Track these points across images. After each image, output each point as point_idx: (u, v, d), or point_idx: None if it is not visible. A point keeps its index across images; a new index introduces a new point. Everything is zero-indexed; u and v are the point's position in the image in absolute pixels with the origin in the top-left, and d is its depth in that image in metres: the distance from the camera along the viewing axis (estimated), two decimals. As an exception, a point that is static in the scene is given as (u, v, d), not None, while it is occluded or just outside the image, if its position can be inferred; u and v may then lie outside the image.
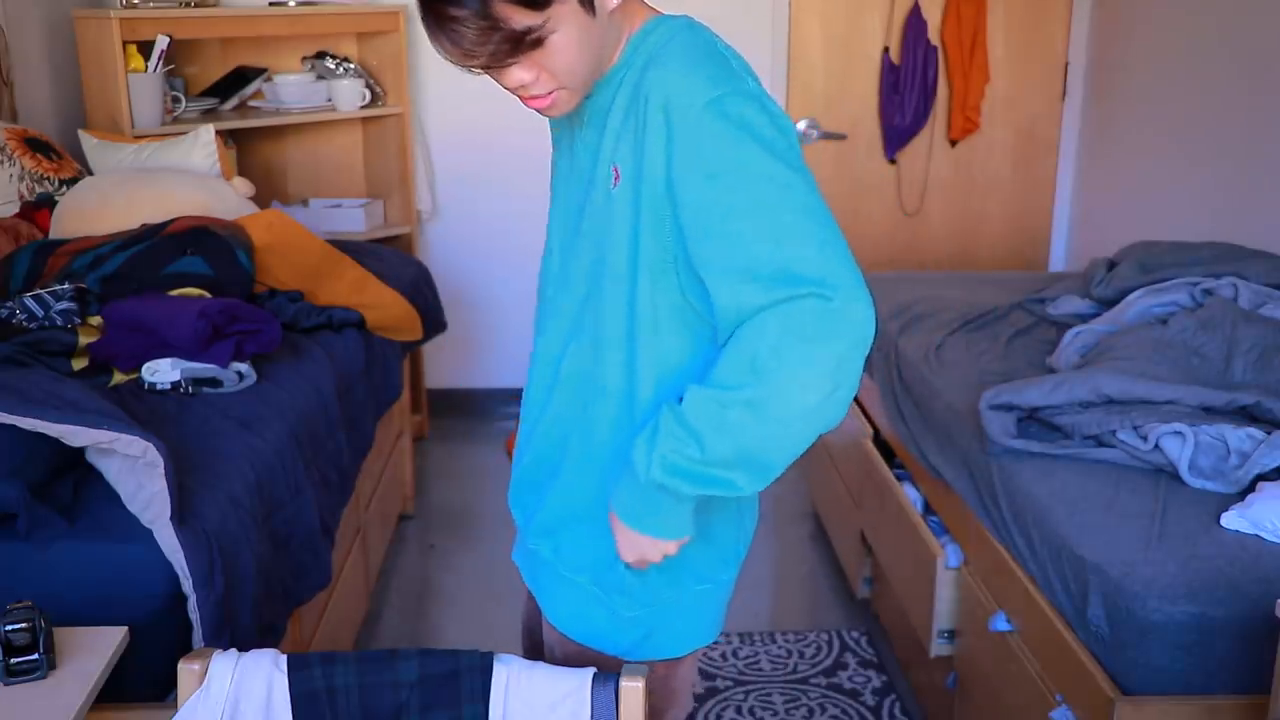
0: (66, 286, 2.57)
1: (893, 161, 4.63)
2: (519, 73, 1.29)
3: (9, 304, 2.50)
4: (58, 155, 3.31)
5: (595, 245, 1.39)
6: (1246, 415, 2.25)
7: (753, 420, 1.23)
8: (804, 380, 1.21)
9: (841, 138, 4.57)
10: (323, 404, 2.58)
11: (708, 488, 1.28)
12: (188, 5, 3.90)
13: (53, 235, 3.05)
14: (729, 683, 2.92)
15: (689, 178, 1.26)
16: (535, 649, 1.72)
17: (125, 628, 1.69)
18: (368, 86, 4.17)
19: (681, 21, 1.37)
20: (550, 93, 1.31)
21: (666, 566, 1.44)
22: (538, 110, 1.35)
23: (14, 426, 1.81)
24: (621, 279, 1.36)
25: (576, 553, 1.49)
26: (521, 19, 1.22)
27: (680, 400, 1.29)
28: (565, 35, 1.25)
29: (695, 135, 1.25)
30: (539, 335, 1.54)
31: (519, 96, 1.34)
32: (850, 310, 1.22)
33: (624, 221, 1.34)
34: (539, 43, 1.25)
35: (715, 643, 3.07)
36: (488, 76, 1.33)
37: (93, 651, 1.62)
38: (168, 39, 3.65)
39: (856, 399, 3.37)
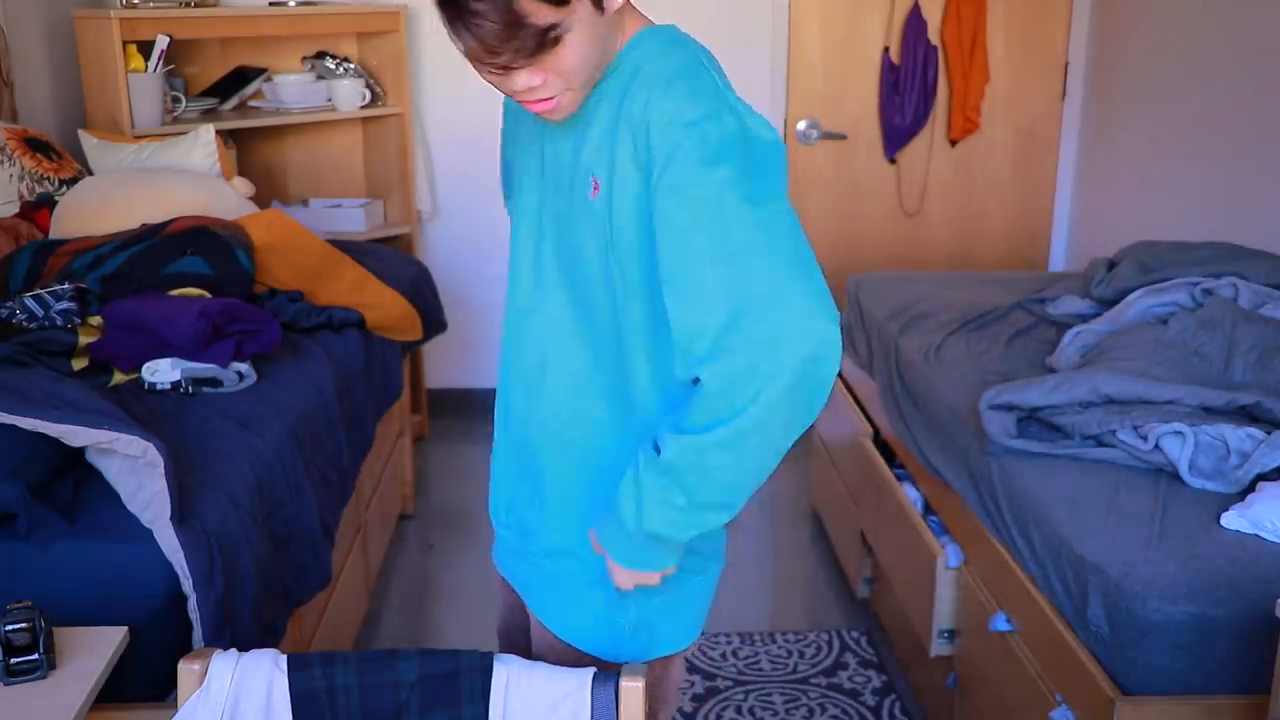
0: (66, 286, 2.57)
1: (893, 161, 4.63)
2: (526, 77, 1.27)
3: (9, 304, 2.50)
4: (58, 155, 3.31)
5: (575, 253, 1.39)
6: (1246, 415, 2.25)
7: (731, 459, 1.27)
8: (768, 412, 1.24)
9: (841, 138, 4.58)
10: (323, 404, 2.58)
11: (699, 528, 1.34)
12: (188, 5, 3.90)
13: (53, 235, 3.05)
14: (729, 683, 2.92)
15: (657, 197, 1.27)
16: (517, 654, 1.71)
17: (125, 628, 1.69)
18: (368, 86, 4.17)
19: (665, 34, 1.35)
20: (555, 96, 1.30)
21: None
22: (541, 113, 1.33)
23: (14, 426, 1.81)
24: (606, 287, 1.36)
25: (585, 567, 1.48)
26: (545, 15, 1.21)
27: (655, 447, 1.32)
28: (579, 35, 1.25)
29: (668, 157, 1.25)
30: (515, 342, 1.51)
31: (521, 100, 1.33)
32: (801, 331, 1.23)
33: (604, 233, 1.34)
34: (558, 41, 1.24)
35: (715, 643, 3.08)
36: (490, 82, 1.31)
37: (93, 651, 1.62)
38: (168, 39, 3.65)
39: (857, 400, 3.37)
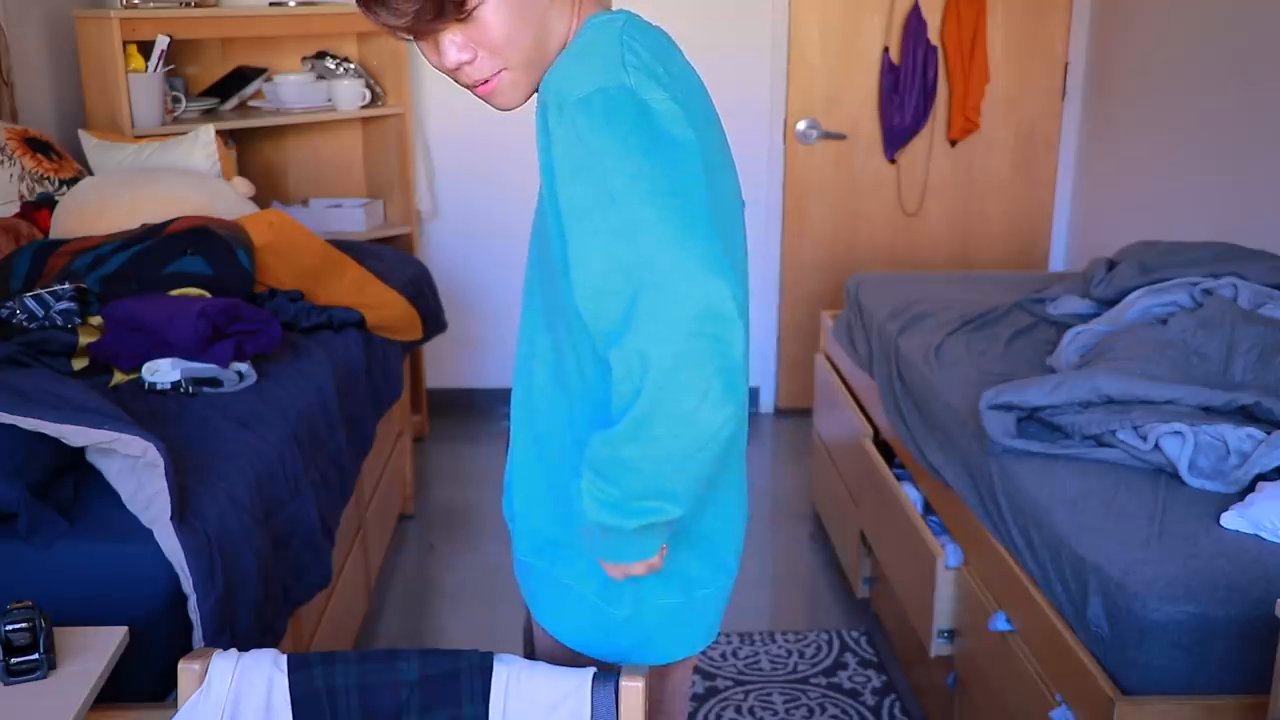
0: (67, 286, 2.57)
1: (893, 161, 4.63)
2: (454, 52, 1.27)
3: (9, 304, 2.50)
4: (58, 155, 3.31)
5: (541, 239, 1.38)
6: (1246, 415, 2.25)
7: (642, 449, 1.22)
8: (662, 391, 1.18)
9: (841, 138, 4.58)
10: (323, 404, 2.58)
11: (643, 518, 1.27)
12: (188, 5, 3.90)
13: (53, 235, 3.05)
14: (729, 683, 2.92)
15: (557, 179, 1.24)
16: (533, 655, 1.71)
17: (125, 628, 1.69)
18: (368, 86, 4.17)
19: (605, 18, 1.32)
20: (494, 75, 1.29)
21: (664, 574, 1.44)
22: (486, 97, 1.32)
23: (14, 426, 1.81)
24: (554, 280, 1.35)
25: (572, 560, 1.47)
26: None
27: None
28: (496, 7, 1.24)
29: (563, 134, 1.23)
30: (518, 336, 1.52)
31: (469, 86, 1.32)
32: (687, 297, 1.17)
33: (545, 224, 1.33)
34: (461, 6, 1.23)
35: (715, 643, 3.08)
36: (433, 64, 1.31)
37: (93, 651, 1.62)
38: (168, 39, 3.65)
39: (857, 400, 3.37)
